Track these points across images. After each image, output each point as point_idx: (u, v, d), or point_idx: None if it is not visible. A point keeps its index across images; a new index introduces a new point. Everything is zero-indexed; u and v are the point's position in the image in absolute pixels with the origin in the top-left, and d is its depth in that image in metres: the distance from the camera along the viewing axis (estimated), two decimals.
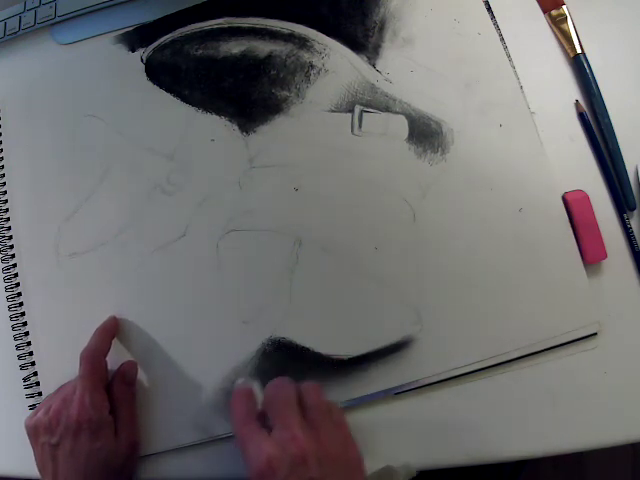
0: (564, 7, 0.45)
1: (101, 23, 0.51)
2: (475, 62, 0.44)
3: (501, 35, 0.44)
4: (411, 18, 0.45)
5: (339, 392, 0.40)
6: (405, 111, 0.43)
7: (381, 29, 0.45)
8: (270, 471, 0.31)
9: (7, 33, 0.53)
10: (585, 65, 0.43)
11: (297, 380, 0.40)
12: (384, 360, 0.40)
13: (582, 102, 0.43)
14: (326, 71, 0.45)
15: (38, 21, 0.52)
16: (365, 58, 0.45)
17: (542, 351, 0.40)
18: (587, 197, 0.41)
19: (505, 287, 0.41)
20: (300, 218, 0.43)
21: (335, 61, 0.45)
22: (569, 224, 0.41)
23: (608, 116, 0.42)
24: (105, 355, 0.42)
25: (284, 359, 0.41)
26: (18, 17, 0.53)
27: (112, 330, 0.43)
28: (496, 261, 0.41)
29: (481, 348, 0.40)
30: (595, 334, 0.40)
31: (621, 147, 0.42)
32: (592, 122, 0.43)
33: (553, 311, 0.40)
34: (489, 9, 0.45)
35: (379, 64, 0.44)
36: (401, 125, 0.43)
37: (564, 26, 0.44)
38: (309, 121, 0.44)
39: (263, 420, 0.35)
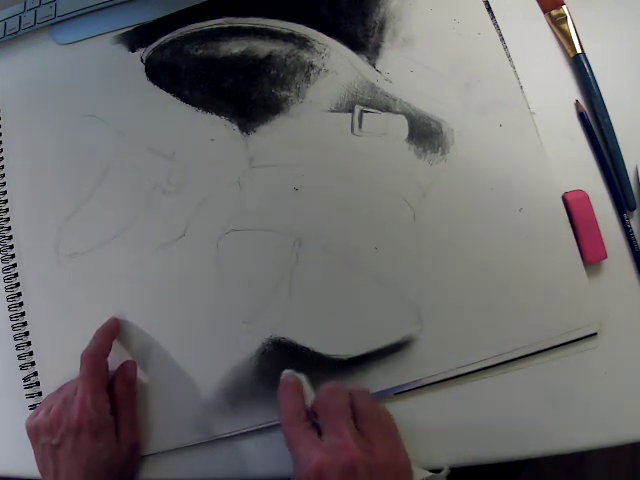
0: (564, 7, 0.44)
1: (101, 23, 0.51)
2: (475, 62, 0.44)
3: (501, 35, 0.44)
4: (411, 18, 0.45)
5: None
6: (405, 111, 0.43)
7: (381, 29, 0.45)
8: (319, 479, 0.31)
9: (7, 33, 0.53)
10: (585, 65, 0.43)
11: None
12: (384, 360, 0.40)
13: (582, 102, 0.43)
14: (326, 71, 0.45)
15: (38, 21, 0.52)
16: (365, 58, 0.45)
17: (542, 351, 0.40)
18: (587, 197, 0.41)
19: (505, 287, 0.41)
20: (300, 218, 0.43)
21: (335, 61, 0.45)
22: (569, 224, 0.41)
23: (608, 116, 0.42)
24: (106, 356, 0.42)
25: (284, 359, 0.41)
26: (18, 17, 0.53)
27: (113, 331, 0.43)
28: (496, 261, 0.41)
29: (481, 348, 0.40)
30: (595, 334, 0.40)
31: (621, 147, 0.42)
32: (592, 122, 0.43)
33: (553, 311, 0.40)
34: (489, 9, 0.45)
35: (379, 64, 0.44)
36: (401, 125, 0.43)
37: (564, 26, 0.44)
38: (309, 121, 0.44)
39: (311, 418, 0.35)
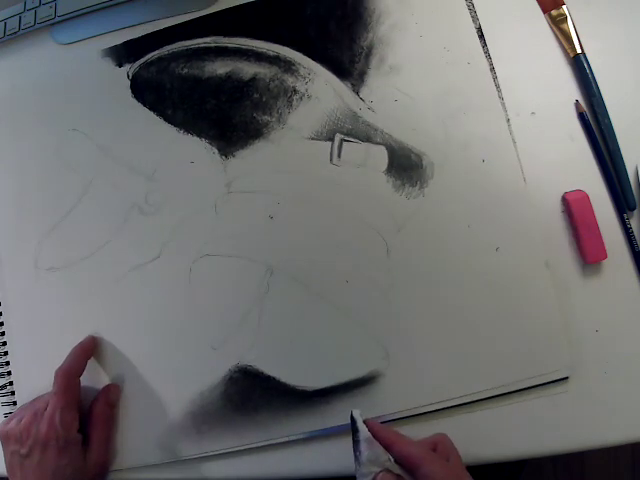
0: (564, 7, 0.44)
1: (101, 23, 0.50)
2: (462, 93, 0.43)
3: (492, 65, 0.43)
4: (400, 45, 0.44)
5: (302, 423, 0.41)
6: (386, 142, 0.43)
7: (368, 55, 0.44)
8: None
9: (7, 33, 0.53)
10: (585, 65, 0.43)
11: (261, 407, 0.41)
12: (349, 394, 0.41)
13: (582, 102, 0.43)
14: (309, 97, 0.44)
15: (38, 21, 0.52)
16: (349, 85, 0.44)
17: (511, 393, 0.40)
18: (587, 197, 0.41)
19: (476, 327, 0.40)
20: (273, 247, 0.43)
21: (319, 87, 0.44)
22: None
23: (608, 116, 0.42)
24: (79, 375, 0.42)
25: (250, 387, 0.42)
26: (18, 17, 0.53)
27: (89, 350, 0.44)
28: (468, 301, 0.40)
29: (448, 387, 0.40)
30: (566, 378, 0.39)
31: (621, 147, 0.41)
32: (592, 122, 0.42)
33: (525, 354, 0.40)
34: (481, 36, 0.44)
35: (363, 92, 0.44)
36: (381, 156, 0.43)
37: (564, 26, 0.44)
38: (288, 148, 0.44)
39: None
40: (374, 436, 0.34)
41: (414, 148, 0.43)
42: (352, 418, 0.35)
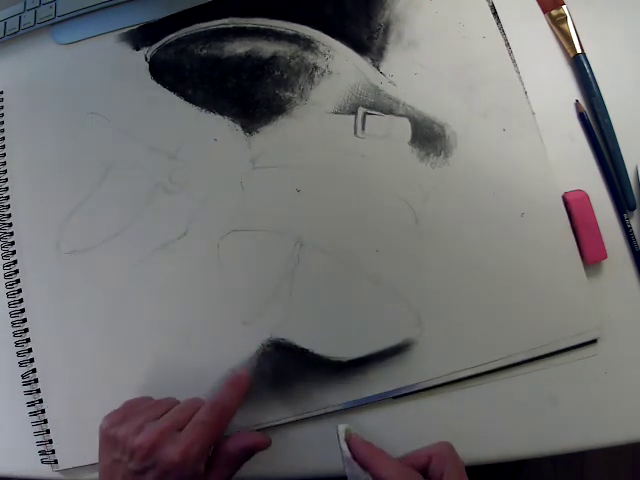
0: (564, 7, 0.44)
1: (101, 23, 0.51)
2: (479, 65, 0.44)
3: (506, 40, 0.44)
4: (416, 21, 0.45)
5: (337, 394, 0.40)
6: (408, 114, 0.43)
7: (385, 31, 0.45)
8: None
9: (7, 33, 0.53)
10: (585, 65, 0.43)
11: (295, 380, 0.41)
12: (383, 363, 0.40)
13: (582, 102, 0.43)
14: (330, 73, 0.45)
15: (38, 21, 0.52)
16: (369, 60, 0.45)
17: (542, 357, 0.40)
18: (587, 197, 0.41)
19: (506, 291, 0.40)
20: (301, 219, 0.43)
21: (339, 63, 0.45)
22: (571, 230, 0.40)
23: (608, 116, 0.42)
24: (234, 414, 0.38)
25: (283, 360, 0.41)
26: (18, 17, 0.53)
27: (245, 388, 0.39)
28: (497, 265, 0.41)
29: (481, 353, 0.40)
30: (595, 341, 0.40)
31: (621, 147, 0.42)
32: (592, 122, 0.43)
33: (554, 317, 0.40)
34: (495, 13, 0.45)
35: (383, 66, 0.44)
36: (404, 128, 0.43)
37: (564, 26, 0.44)
38: (312, 122, 0.44)
39: None
40: (353, 455, 0.34)
41: (436, 119, 0.43)
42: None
